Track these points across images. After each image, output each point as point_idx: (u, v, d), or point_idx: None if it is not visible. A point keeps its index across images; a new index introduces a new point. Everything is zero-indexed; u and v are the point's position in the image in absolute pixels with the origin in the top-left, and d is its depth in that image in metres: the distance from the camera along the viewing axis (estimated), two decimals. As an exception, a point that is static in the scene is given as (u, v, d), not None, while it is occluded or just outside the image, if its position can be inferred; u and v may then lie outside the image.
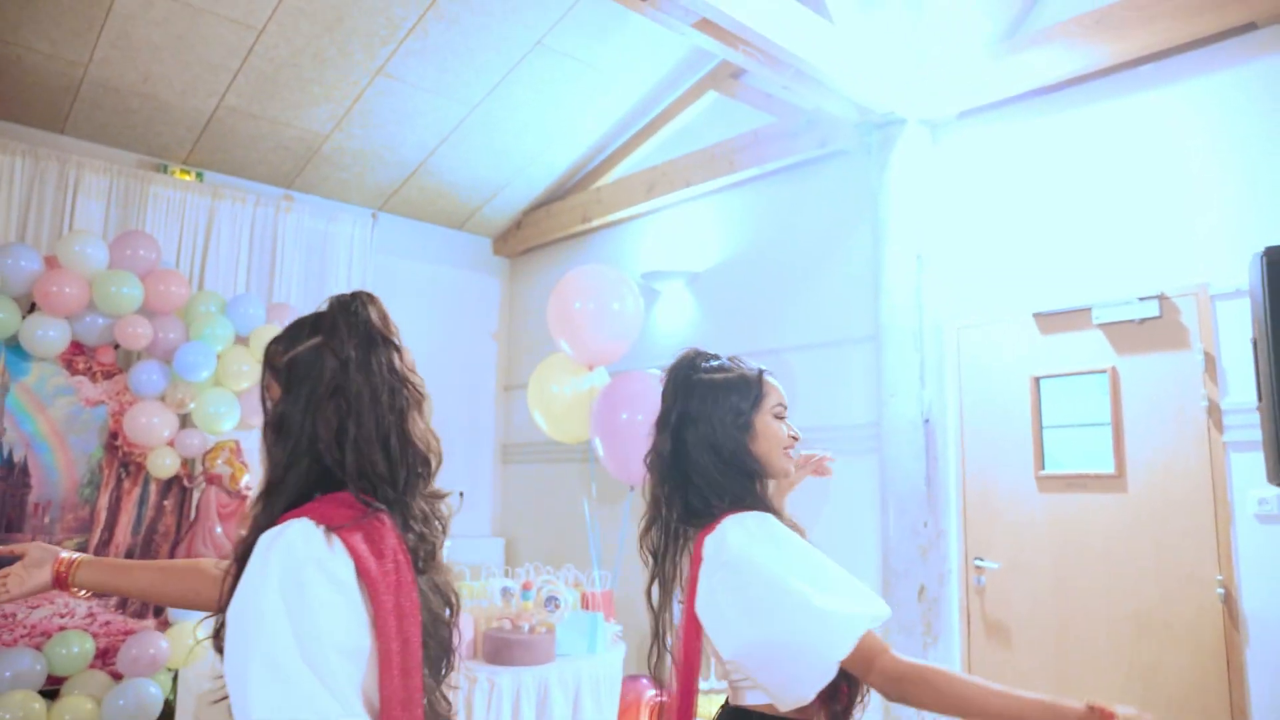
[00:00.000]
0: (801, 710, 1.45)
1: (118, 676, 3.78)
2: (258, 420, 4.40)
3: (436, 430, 1.32)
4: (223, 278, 4.65)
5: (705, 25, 3.19)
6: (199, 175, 4.78)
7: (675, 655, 1.52)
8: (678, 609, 1.60)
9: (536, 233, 5.81)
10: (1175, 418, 3.12)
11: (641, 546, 1.63)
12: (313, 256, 5.07)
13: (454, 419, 5.72)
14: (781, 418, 1.64)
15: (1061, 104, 3.57)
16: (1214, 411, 3.04)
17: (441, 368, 5.53)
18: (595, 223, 5.37)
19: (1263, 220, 2.99)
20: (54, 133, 4.41)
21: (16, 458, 3.82)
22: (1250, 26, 3.04)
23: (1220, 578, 2.97)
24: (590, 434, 4.22)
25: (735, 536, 1.47)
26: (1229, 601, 2.95)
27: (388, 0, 3.98)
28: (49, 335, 3.77)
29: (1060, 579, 3.35)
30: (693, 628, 1.49)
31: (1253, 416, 2.90)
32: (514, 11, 4.16)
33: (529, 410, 4.56)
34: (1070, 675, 3.28)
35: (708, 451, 1.57)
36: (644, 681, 3.82)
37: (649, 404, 3.96)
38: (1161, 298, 3.18)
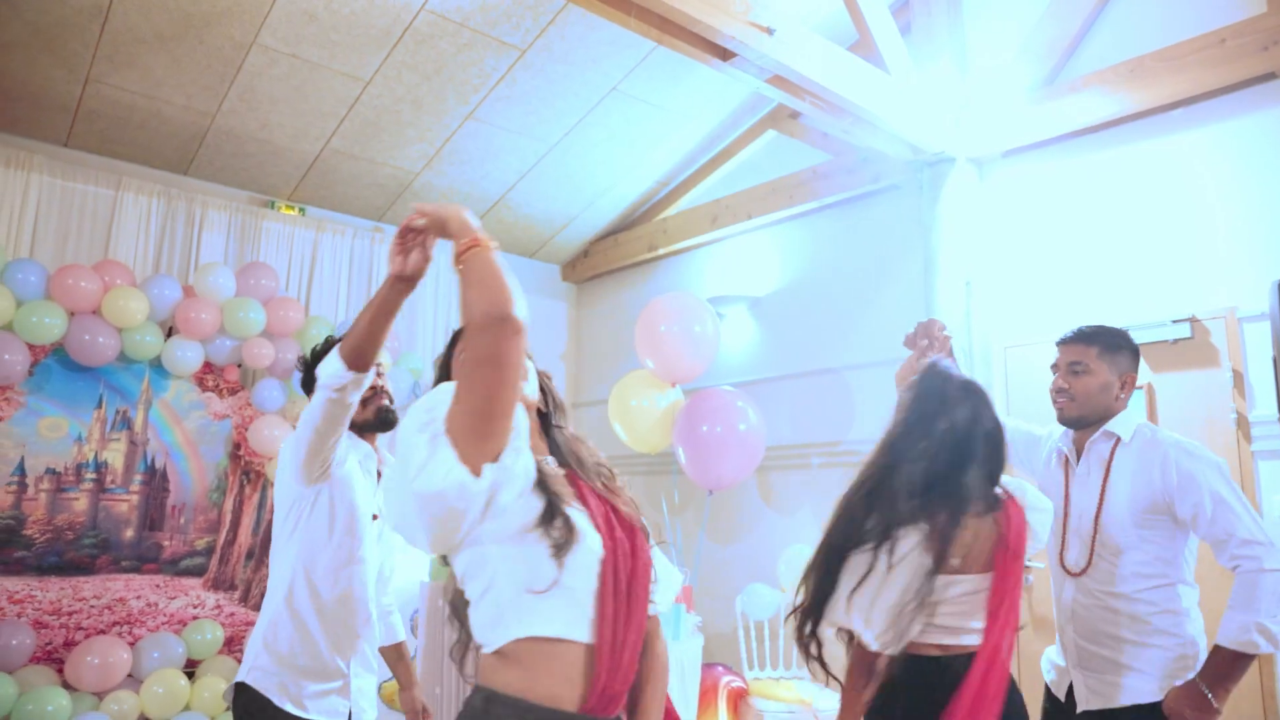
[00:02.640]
0: None
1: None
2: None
3: None
4: (326, 303, 5.10)
5: (777, 80, 3.57)
6: (301, 210, 5.25)
7: None
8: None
9: (604, 260, 6.21)
10: (1207, 429, 3.42)
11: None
12: (401, 283, 5.51)
13: (525, 434, 6.09)
14: None
15: (1098, 144, 3.88)
16: (1242, 424, 3.34)
17: (514, 386, 5.92)
18: (661, 251, 5.75)
19: (1284, 250, 3.31)
20: (180, 174, 4.90)
21: (158, 465, 4.29)
22: (1270, 76, 3.36)
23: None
24: (673, 444, 4.58)
25: None
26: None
27: (482, 52, 4.42)
28: (186, 356, 4.24)
29: (1102, 577, 3.64)
30: None
31: (1276, 428, 3.21)
32: (593, 62, 4.59)
33: (609, 423, 4.89)
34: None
35: None
36: (719, 669, 4.16)
37: (725, 417, 4.33)
38: (1193, 320, 3.47)
